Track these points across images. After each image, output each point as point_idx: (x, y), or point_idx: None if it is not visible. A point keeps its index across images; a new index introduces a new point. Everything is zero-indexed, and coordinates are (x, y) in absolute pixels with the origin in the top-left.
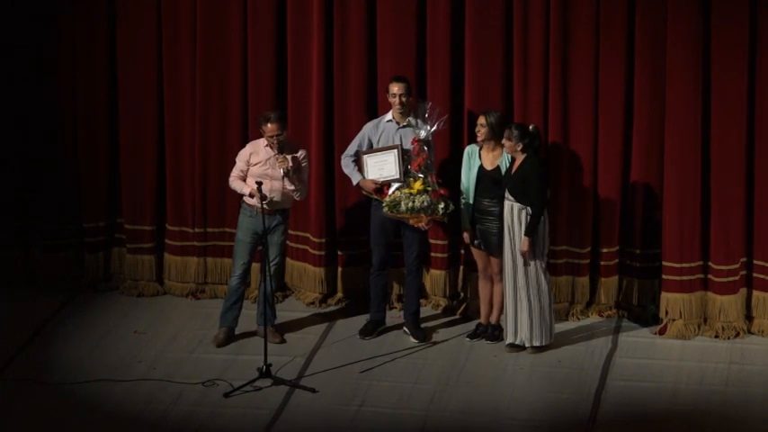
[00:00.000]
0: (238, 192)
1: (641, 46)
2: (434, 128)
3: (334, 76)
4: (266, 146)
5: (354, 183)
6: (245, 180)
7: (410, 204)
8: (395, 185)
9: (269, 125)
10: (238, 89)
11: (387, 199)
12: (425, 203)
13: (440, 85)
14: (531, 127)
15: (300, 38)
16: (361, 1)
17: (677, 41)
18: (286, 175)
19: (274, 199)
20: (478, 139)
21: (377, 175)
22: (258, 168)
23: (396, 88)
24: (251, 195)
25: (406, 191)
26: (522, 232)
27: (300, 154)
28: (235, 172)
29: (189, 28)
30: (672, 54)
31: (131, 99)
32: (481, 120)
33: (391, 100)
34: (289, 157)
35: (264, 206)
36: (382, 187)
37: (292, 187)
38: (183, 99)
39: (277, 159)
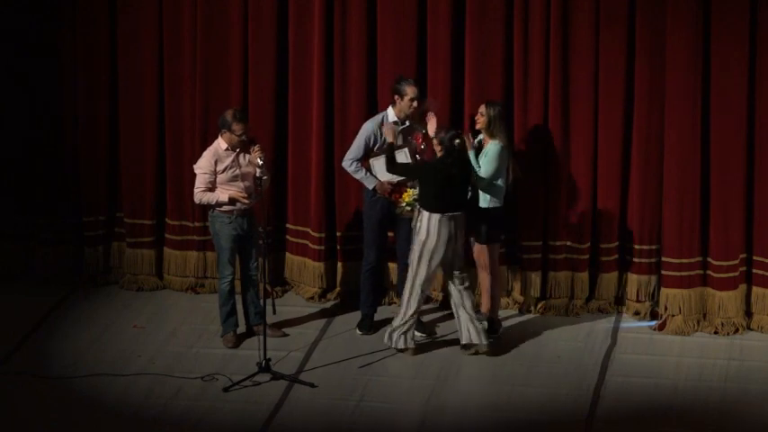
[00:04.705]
0: (213, 203)
1: (641, 38)
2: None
3: (334, 74)
4: (226, 149)
5: (371, 188)
6: (212, 192)
7: None
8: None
9: (241, 124)
10: (239, 84)
11: (408, 199)
12: None
13: (440, 83)
14: (456, 141)
15: (301, 36)
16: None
17: (677, 34)
18: (265, 163)
19: (264, 184)
20: (476, 126)
21: (390, 176)
22: (228, 173)
23: (415, 92)
24: (231, 200)
25: None
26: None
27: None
28: (202, 185)
29: (190, 24)
30: (671, 47)
31: (132, 93)
32: (482, 109)
33: (410, 104)
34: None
35: (253, 198)
36: (396, 189)
37: (267, 176)
38: (183, 93)
39: (254, 151)
